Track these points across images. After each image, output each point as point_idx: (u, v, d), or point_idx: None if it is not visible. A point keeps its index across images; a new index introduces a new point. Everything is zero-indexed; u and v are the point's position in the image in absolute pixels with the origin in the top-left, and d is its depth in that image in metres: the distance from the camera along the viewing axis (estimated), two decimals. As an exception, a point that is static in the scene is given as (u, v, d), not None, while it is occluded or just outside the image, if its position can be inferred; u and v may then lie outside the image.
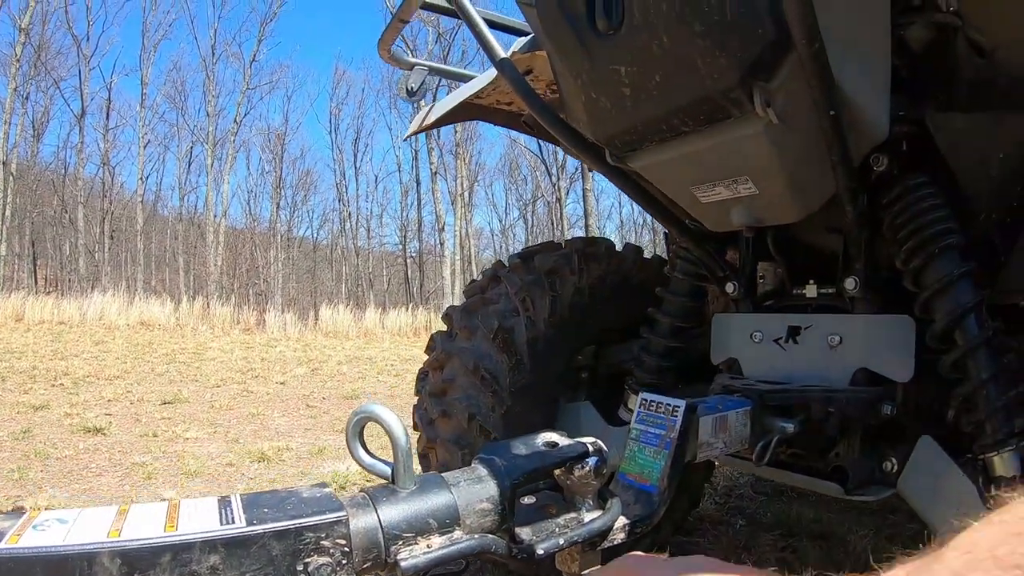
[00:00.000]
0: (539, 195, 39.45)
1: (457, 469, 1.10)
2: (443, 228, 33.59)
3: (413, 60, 2.60)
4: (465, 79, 2.78)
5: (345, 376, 10.69)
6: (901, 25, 1.66)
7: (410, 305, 27.84)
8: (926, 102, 1.71)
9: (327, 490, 0.97)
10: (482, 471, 1.10)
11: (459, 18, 1.93)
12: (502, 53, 1.91)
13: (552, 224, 39.72)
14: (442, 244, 33.82)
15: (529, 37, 2.34)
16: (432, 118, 2.74)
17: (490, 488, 1.06)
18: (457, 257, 33.64)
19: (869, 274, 1.80)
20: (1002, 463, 1.56)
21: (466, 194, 35.21)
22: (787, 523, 3.48)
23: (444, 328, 2.60)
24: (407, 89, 2.57)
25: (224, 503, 0.90)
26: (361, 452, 1.01)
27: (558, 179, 36.23)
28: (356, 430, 1.01)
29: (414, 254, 41.37)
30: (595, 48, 1.56)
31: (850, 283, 1.81)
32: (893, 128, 1.62)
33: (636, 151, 1.75)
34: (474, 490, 1.05)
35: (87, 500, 3.88)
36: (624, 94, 1.56)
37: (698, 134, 1.57)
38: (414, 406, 2.60)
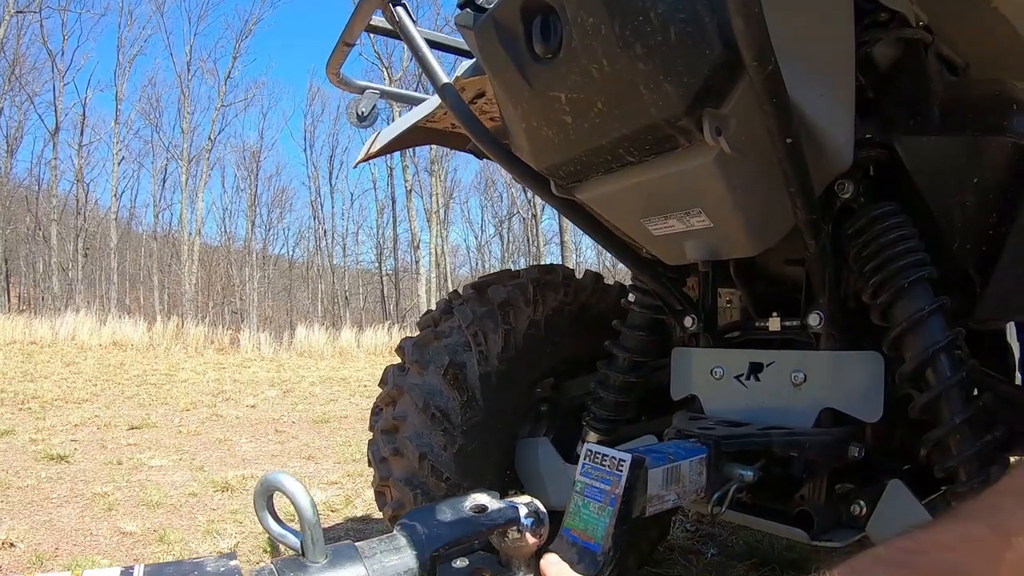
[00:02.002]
0: (515, 211, 39.46)
1: (375, 537, 1.04)
2: (418, 246, 33.50)
3: (364, 83, 2.48)
4: (418, 102, 2.66)
5: (317, 398, 10.55)
6: (867, 42, 1.57)
7: (387, 323, 27.66)
8: (895, 125, 1.61)
9: (233, 563, 0.94)
10: (401, 540, 1.05)
11: (402, 40, 1.83)
12: (445, 78, 1.80)
13: (528, 241, 39.80)
14: (417, 262, 33.72)
15: (475, 60, 2.23)
16: (378, 145, 2.60)
17: (408, 560, 1.02)
18: (433, 275, 33.43)
19: (834, 309, 1.68)
20: None
21: (441, 211, 35.04)
22: (760, 552, 3.40)
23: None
24: (357, 114, 2.44)
25: (127, 574, 0.89)
26: (270, 521, 0.97)
27: (534, 195, 36.02)
28: (263, 499, 0.96)
29: (390, 272, 41.18)
30: (534, 74, 1.44)
31: (814, 318, 1.70)
32: (859, 153, 1.52)
33: (582, 182, 1.64)
34: (390, 562, 1.00)
35: (47, 532, 3.79)
36: (565, 122, 1.44)
37: (645, 164, 1.46)
38: (369, 441, 2.49)
